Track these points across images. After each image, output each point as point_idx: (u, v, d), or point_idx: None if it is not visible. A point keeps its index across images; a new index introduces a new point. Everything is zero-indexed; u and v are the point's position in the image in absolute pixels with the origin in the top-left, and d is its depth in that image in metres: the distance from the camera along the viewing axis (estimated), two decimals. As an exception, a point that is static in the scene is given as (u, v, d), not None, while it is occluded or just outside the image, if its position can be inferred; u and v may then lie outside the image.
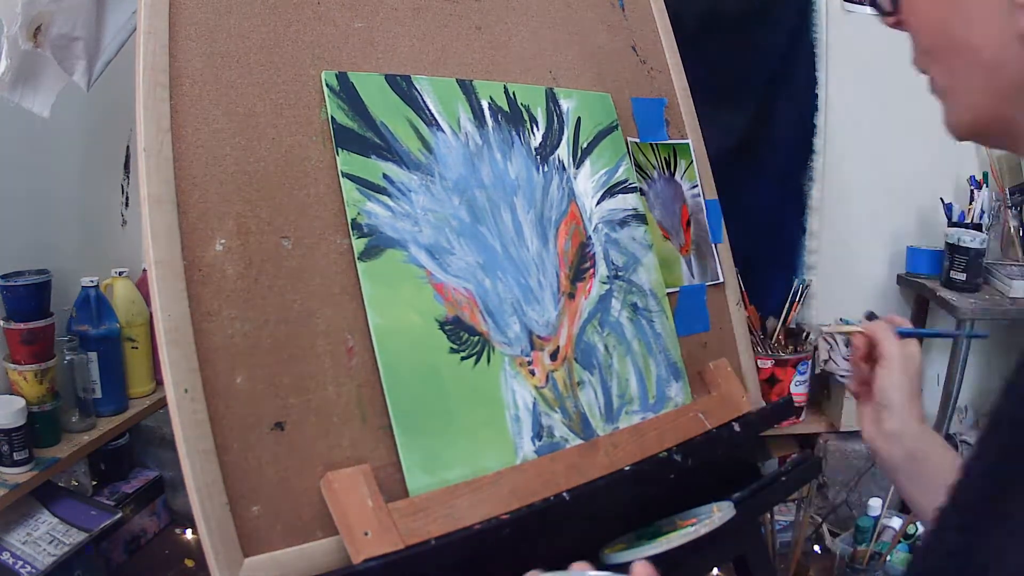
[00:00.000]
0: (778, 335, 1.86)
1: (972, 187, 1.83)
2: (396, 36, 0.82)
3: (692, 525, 0.78)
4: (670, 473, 0.85)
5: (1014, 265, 1.83)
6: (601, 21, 1.04)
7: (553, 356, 0.83)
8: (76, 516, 1.26)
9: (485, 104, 0.86)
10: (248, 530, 0.62)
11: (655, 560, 0.74)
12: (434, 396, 0.73)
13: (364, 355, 0.71)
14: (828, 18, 1.81)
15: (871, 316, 0.80)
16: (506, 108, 0.88)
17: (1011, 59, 0.47)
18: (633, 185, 0.98)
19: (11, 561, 1.15)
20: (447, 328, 0.75)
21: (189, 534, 1.51)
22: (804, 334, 1.88)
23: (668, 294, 0.98)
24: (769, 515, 1.50)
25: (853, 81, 1.83)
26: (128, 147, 1.57)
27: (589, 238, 0.91)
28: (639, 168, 1.01)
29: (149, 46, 0.66)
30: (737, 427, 0.94)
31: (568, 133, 0.93)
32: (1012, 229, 1.88)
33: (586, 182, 0.93)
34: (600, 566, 0.66)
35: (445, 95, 0.83)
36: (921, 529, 1.51)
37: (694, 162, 1.10)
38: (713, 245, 1.10)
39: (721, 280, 1.10)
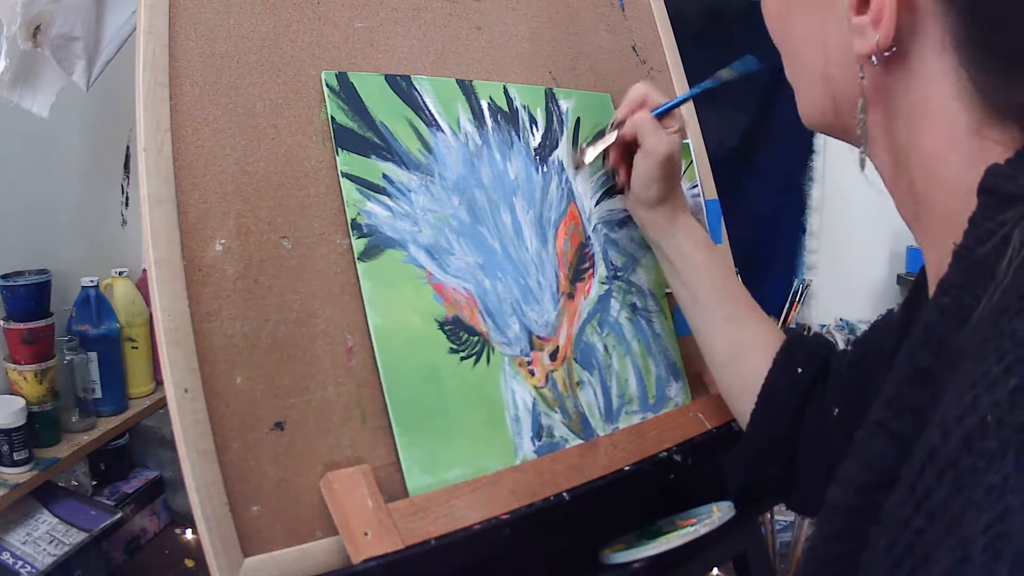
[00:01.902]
0: (778, 335, 1.86)
1: (972, 187, 1.82)
2: (396, 36, 0.82)
3: (692, 525, 0.78)
4: (670, 473, 0.85)
5: (1014, 265, 1.83)
6: (601, 21, 1.04)
7: (553, 356, 0.83)
8: (76, 516, 1.26)
9: (485, 104, 0.86)
10: (248, 530, 0.62)
11: (655, 560, 0.74)
12: (434, 396, 0.73)
13: (364, 355, 0.71)
14: (828, 18, 1.80)
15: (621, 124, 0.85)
16: (506, 108, 0.88)
17: (846, 77, 0.50)
18: (633, 185, 0.98)
19: (11, 561, 1.15)
20: (447, 328, 0.75)
21: (189, 534, 1.51)
22: (804, 334, 1.88)
23: (667, 294, 0.98)
24: (769, 515, 1.50)
25: (853, 81, 1.83)
26: (128, 147, 1.57)
27: (588, 238, 0.91)
28: (639, 168, 1.01)
29: (149, 46, 0.66)
30: (737, 427, 0.94)
31: (567, 133, 0.93)
32: (1012, 229, 1.88)
33: (585, 182, 0.93)
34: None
35: (445, 95, 0.83)
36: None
37: (694, 162, 1.10)
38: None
39: (721, 280, 1.10)
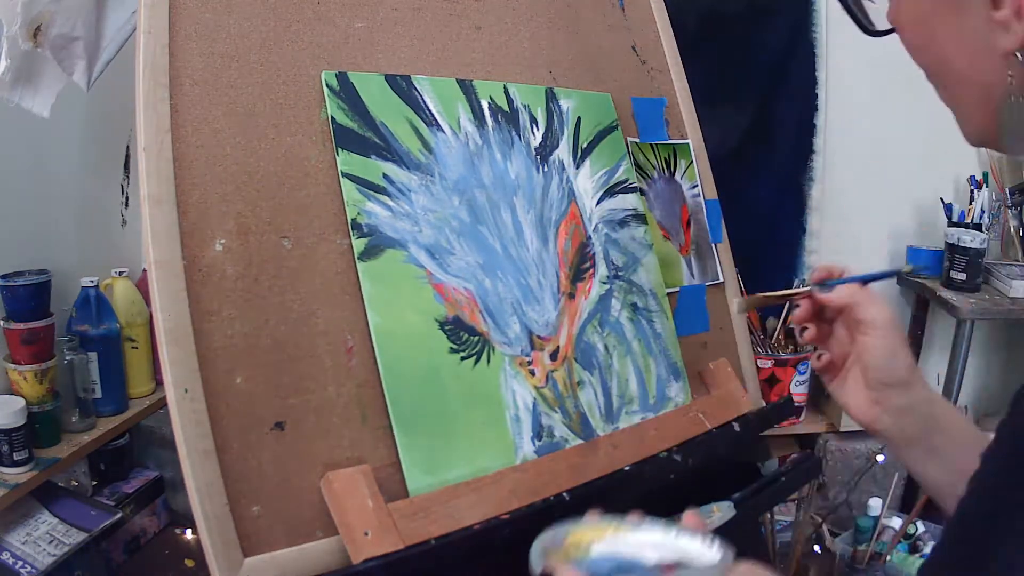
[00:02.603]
0: (778, 335, 1.86)
1: (972, 187, 1.83)
2: (396, 36, 0.82)
3: None
4: (670, 473, 0.85)
5: (1014, 265, 1.83)
6: (601, 21, 1.04)
7: (553, 356, 0.83)
8: (76, 516, 1.26)
9: (485, 104, 0.86)
10: (248, 530, 0.62)
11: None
12: (434, 396, 0.73)
13: (364, 355, 0.71)
14: (828, 18, 1.81)
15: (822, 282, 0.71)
16: (506, 108, 0.88)
17: (997, 77, 0.47)
18: (633, 185, 0.98)
19: (11, 561, 1.15)
20: (447, 328, 0.75)
21: (189, 534, 1.51)
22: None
23: (668, 294, 0.98)
24: (769, 515, 1.50)
25: (853, 81, 1.83)
26: (128, 147, 1.57)
27: (589, 238, 0.91)
28: (639, 168, 1.01)
29: (149, 46, 0.66)
30: (737, 427, 0.94)
31: (568, 133, 0.93)
32: (1012, 229, 1.88)
33: (586, 182, 0.93)
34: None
35: (445, 95, 0.83)
36: (922, 528, 1.51)
37: (694, 162, 1.10)
38: (713, 245, 1.10)
39: (721, 280, 1.10)
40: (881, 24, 0.58)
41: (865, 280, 0.70)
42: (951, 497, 0.66)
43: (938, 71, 0.52)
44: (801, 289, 0.73)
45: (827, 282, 0.70)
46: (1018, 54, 0.45)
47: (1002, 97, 0.48)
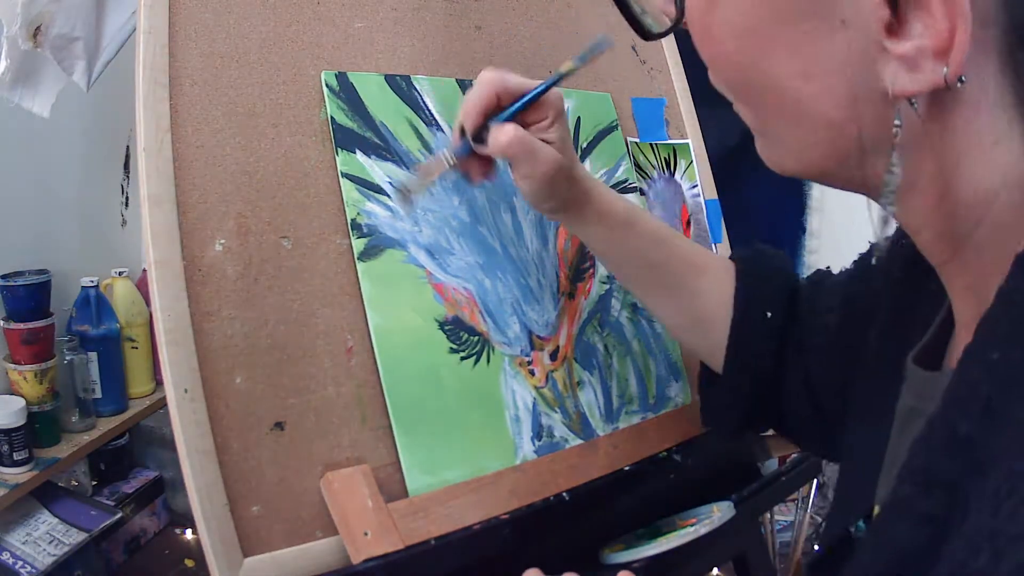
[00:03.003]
0: (778, 335, 1.86)
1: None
2: (396, 36, 0.82)
3: (692, 525, 0.78)
4: (670, 473, 0.85)
5: (1014, 265, 1.83)
6: (601, 21, 1.04)
7: (553, 356, 0.83)
8: (76, 516, 1.26)
9: (485, 104, 0.86)
10: (248, 530, 0.62)
11: (655, 560, 0.74)
12: (434, 396, 0.73)
13: (364, 355, 0.71)
14: (828, 18, 1.80)
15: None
16: (506, 108, 0.88)
17: (871, 123, 0.37)
18: (633, 185, 0.98)
19: (11, 561, 1.15)
20: (447, 328, 0.75)
21: (189, 534, 1.51)
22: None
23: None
24: (769, 515, 1.50)
25: (853, 81, 1.83)
26: (128, 147, 1.57)
27: (589, 238, 0.91)
28: (639, 168, 1.01)
29: (149, 46, 0.66)
30: (737, 427, 0.94)
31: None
32: (1012, 229, 1.88)
33: (586, 182, 0.93)
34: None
35: (445, 95, 0.83)
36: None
37: (694, 162, 1.10)
38: (713, 245, 1.10)
39: (721, 280, 1.10)
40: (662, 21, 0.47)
41: (521, 107, 0.66)
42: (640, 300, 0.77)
43: (762, 100, 0.41)
44: (442, 162, 0.70)
45: (487, 123, 0.66)
46: (913, 101, 0.35)
47: (867, 144, 0.38)
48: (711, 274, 0.75)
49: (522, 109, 0.67)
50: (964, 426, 0.34)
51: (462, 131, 0.69)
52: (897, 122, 0.35)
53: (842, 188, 0.43)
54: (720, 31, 0.40)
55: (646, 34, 0.50)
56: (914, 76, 0.34)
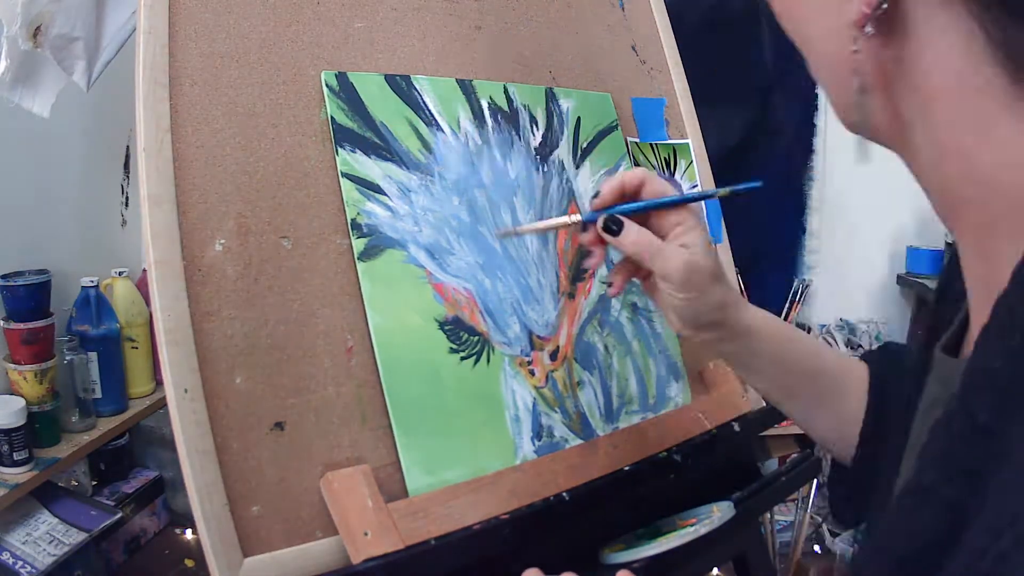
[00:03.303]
0: (778, 335, 1.86)
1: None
2: (396, 36, 0.82)
3: (692, 525, 0.78)
4: (670, 473, 0.85)
5: (1014, 265, 1.83)
6: (601, 21, 1.04)
7: (553, 356, 0.83)
8: (76, 516, 1.26)
9: (485, 104, 0.86)
10: (248, 530, 0.62)
11: (655, 560, 0.74)
12: (434, 396, 0.73)
13: (364, 355, 0.71)
14: (828, 18, 1.80)
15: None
16: (506, 108, 0.88)
17: (844, 50, 0.40)
18: (633, 185, 0.98)
19: (11, 561, 1.15)
20: (447, 328, 0.75)
21: (189, 534, 1.52)
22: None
23: (668, 294, 0.98)
24: (769, 515, 1.50)
25: (853, 81, 1.83)
26: (128, 147, 1.57)
27: (589, 238, 0.91)
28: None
29: (149, 46, 0.66)
30: (737, 427, 0.95)
31: (568, 133, 0.93)
32: (1012, 229, 1.88)
33: (586, 182, 0.93)
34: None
35: (445, 95, 0.83)
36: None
37: (694, 162, 1.10)
38: (713, 245, 1.10)
39: (721, 280, 1.09)
40: None
41: (653, 207, 0.63)
42: (781, 405, 0.69)
43: (800, 41, 0.46)
44: (571, 219, 0.67)
45: (609, 209, 0.63)
46: (867, 28, 0.38)
47: (853, 78, 0.41)
48: (855, 376, 0.71)
49: (653, 208, 0.65)
50: (983, 414, 0.34)
51: (596, 206, 0.67)
52: (854, 47, 0.39)
53: (885, 143, 0.46)
54: None
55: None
56: (848, 5, 0.38)
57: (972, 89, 0.36)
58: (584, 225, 0.68)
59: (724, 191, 0.67)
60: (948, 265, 0.53)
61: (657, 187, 0.66)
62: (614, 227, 0.64)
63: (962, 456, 0.35)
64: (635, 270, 0.69)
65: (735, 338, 0.67)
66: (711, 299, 0.64)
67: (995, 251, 0.37)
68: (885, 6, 0.37)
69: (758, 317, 0.68)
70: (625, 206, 0.65)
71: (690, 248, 0.64)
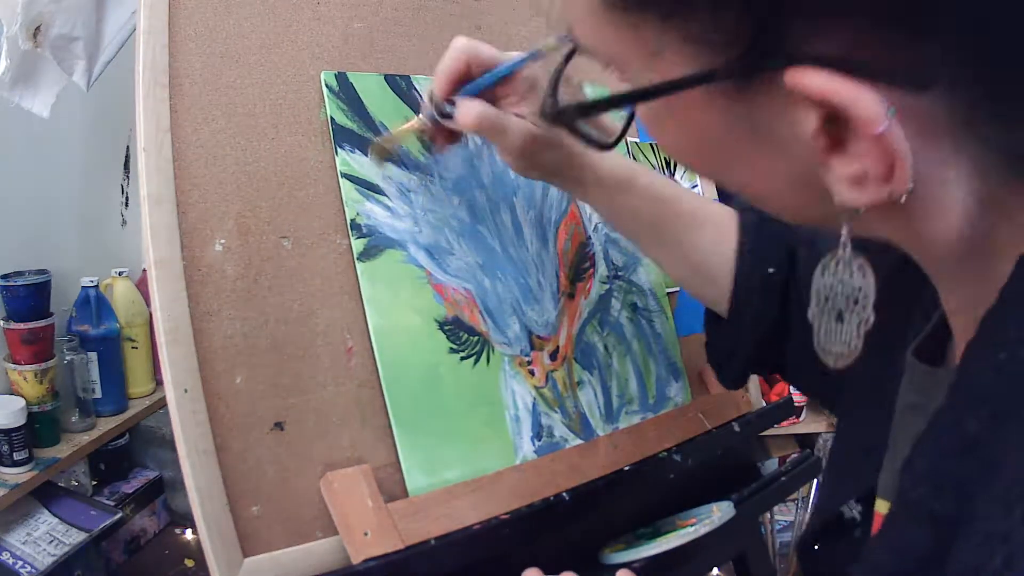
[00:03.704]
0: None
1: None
2: (396, 36, 0.82)
3: (692, 525, 0.78)
4: (670, 473, 0.85)
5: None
6: (601, 21, 1.04)
7: (553, 356, 0.83)
8: (76, 516, 1.26)
9: (485, 104, 0.86)
10: (248, 530, 0.62)
11: (655, 560, 0.74)
12: (434, 396, 0.73)
13: (364, 355, 0.71)
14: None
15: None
16: (506, 108, 0.88)
17: (824, 214, 0.37)
18: (633, 185, 0.98)
19: (11, 561, 1.15)
20: (446, 328, 0.75)
21: (189, 534, 1.52)
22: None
23: (668, 294, 0.98)
24: (769, 515, 1.50)
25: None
26: (128, 147, 1.57)
27: (589, 238, 0.91)
28: (639, 168, 1.01)
29: (149, 46, 0.66)
30: (737, 427, 0.95)
31: (568, 133, 0.93)
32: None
33: (586, 182, 0.93)
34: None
35: (445, 95, 0.83)
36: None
37: (694, 162, 1.10)
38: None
39: (721, 280, 1.10)
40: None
41: (491, 82, 0.63)
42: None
43: (737, 192, 0.42)
44: (415, 123, 0.69)
45: (458, 94, 0.64)
46: (859, 211, 0.35)
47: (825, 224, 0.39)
48: (711, 228, 0.74)
49: (492, 84, 0.64)
50: (972, 426, 0.34)
51: (431, 98, 0.67)
52: (848, 225, 0.37)
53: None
54: (675, 149, 0.41)
55: (601, 147, 0.55)
56: (859, 194, 0.33)
57: (975, 199, 0.35)
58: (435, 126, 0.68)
59: (551, 42, 0.61)
60: (896, 263, 0.49)
61: (484, 58, 0.65)
62: (448, 110, 0.65)
63: (951, 470, 0.34)
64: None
65: (573, 187, 0.72)
66: (544, 162, 0.68)
67: (981, 270, 0.37)
68: (911, 188, 0.33)
69: (601, 167, 0.69)
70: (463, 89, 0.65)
71: (528, 118, 0.64)
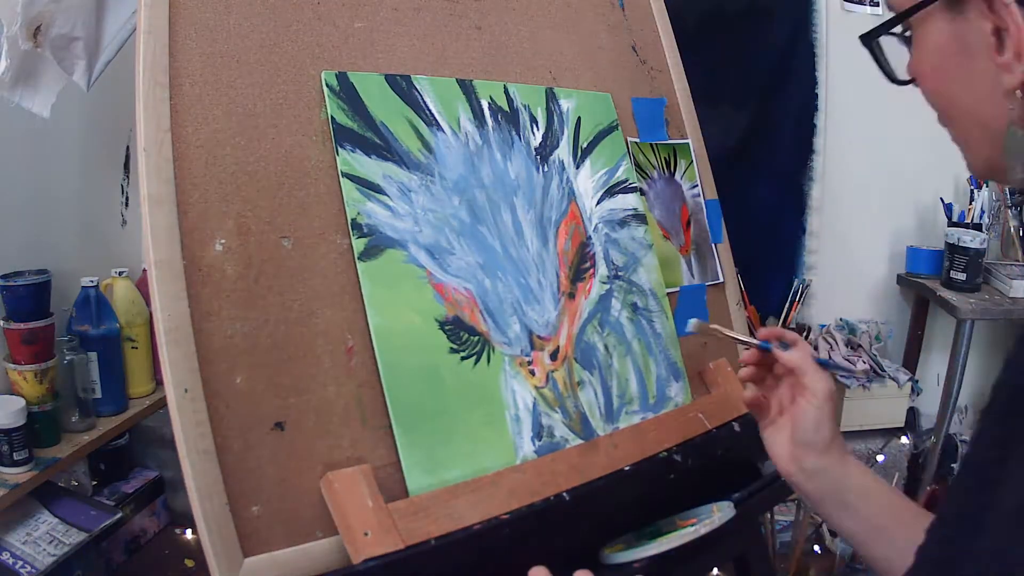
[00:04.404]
0: (778, 335, 1.86)
1: (972, 187, 1.83)
2: (396, 36, 0.82)
3: (692, 525, 0.78)
4: (670, 473, 0.85)
5: (1014, 265, 1.83)
6: (601, 21, 1.04)
7: (553, 356, 0.83)
8: (76, 516, 1.26)
9: (485, 104, 0.86)
10: (248, 530, 0.62)
11: (655, 560, 0.74)
12: (434, 396, 0.73)
13: (364, 355, 0.71)
14: (828, 18, 1.81)
15: (767, 329, 0.77)
16: (506, 108, 0.88)
17: (1000, 112, 0.54)
18: (633, 185, 0.98)
19: (11, 561, 1.15)
20: (447, 328, 0.75)
21: (189, 534, 1.51)
22: (804, 334, 1.88)
23: (668, 294, 0.98)
24: (769, 515, 1.50)
25: (853, 81, 1.83)
26: (128, 147, 1.57)
27: (589, 238, 0.91)
28: (639, 168, 1.01)
29: (149, 46, 0.66)
30: (737, 427, 0.94)
31: (568, 133, 0.93)
32: (1012, 229, 1.88)
33: (586, 182, 0.93)
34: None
35: (445, 95, 0.83)
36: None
37: (694, 162, 1.10)
38: (713, 245, 1.10)
39: (721, 280, 1.10)
40: (902, 74, 0.65)
41: (821, 364, 0.76)
42: (863, 546, 0.75)
43: (950, 112, 0.59)
44: (757, 340, 0.78)
45: (785, 343, 0.76)
46: (1018, 92, 0.52)
47: (1005, 130, 0.54)
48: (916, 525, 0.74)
49: (826, 365, 0.75)
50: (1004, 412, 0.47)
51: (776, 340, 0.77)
52: (1011, 107, 0.52)
53: (1009, 183, 0.59)
54: (920, 68, 0.60)
55: (895, 80, 0.66)
56: (1010, 75, 0.51)
57: None
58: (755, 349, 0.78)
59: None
60: None
61: (803, 354, 0.76)
62: (787, 346, 0.77)
63: (1010, 408, 0.48)
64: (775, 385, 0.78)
65: (832, 467, 0.74)
66: (828, 425, 0.74)
67: None
68: None
69: (854, 459, 0.76)
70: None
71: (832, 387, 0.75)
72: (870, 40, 0.65)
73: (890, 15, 0.61)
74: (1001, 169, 0.57)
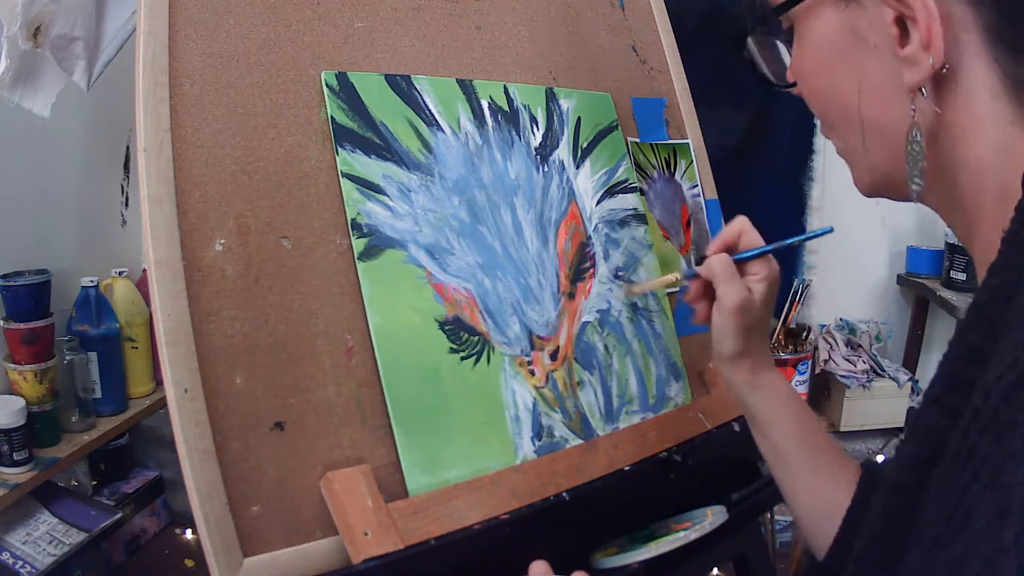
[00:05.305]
0: (778, 335, 1.86)
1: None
2: (396, 36, 0.82)
3: (684, 530, 0.78)
4: (670, 473, 0.85)
5: (1014, 265, 1.83)
6: (601, 21, 1.04)
7: (553, 356, 0.83)
8: (76, 516, 1.26)
9: (485, 104, 0.86)
10: (248, 530, 0.62)
11: (648, 564, 0.74)
12: (434, 396, 0.73)
13: (364, 355, 0.71)
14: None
15: (701, 260, 0.75)
16: (506, 108, 0.88)
17: (901, 114, 0.48)
18: (633, 185, 0.98)
19: (11, 561, 1.15)
20: (447, 328, 0.75)
21: (189, 534, 1.52)
22: (804, 334, 1.88)
23: (668, 294, 0.98)
24: (769, 515, 1.50)
25: (853, 81, 1.82)
26: (128, 147, 1.57)
27: (589, 238, 0.91)
28: (639, 168, 1.01)
29: (149, 46, 0.66)
30: (737, 427, 0.94)
31: (568, 133, 0.93)
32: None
33: (586, 182, 0.93)
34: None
35: (445, 95, 0.83)
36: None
37: (694, 162, 1.10)
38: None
39: (721, 280, 1.09)
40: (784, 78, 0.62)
41: (753, 255, 0.75)
42: (769, 466, 0.77)
43: (840, 116, 0.53)
44: (670, 278, 0.81)
45: (740, 254, 0.75)
46: (923, 89, 0.47)
47: (907, 135, 0.49)
48: (851, 470, 0.74)
49: (749, 259, 0.74)
50: (975, 338, 0.43)
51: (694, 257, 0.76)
52: (912, 108, 0.47)
53: (898, 197, 0.54)
54: (807, 65, 0.55)
55: (770, 84, 0.65)
56: (916, 69, 0.46)
57: (994, 114, 0.45)
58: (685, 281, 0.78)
59: (799, 239, 0.80)
60: None
61: (752, 237, 0.76)
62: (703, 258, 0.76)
63: (959, 370, 0.44)
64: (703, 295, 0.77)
65: (739, 388, 0.75)
66: (732, 339, 0.72)
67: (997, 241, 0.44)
68: (946, 67, 0.45)
69: (776, 380, 0.75)
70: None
71: (753, 294, 0.73)
72: (743, 41, 0.61)
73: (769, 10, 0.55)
74: (898, 181, 0.51)
